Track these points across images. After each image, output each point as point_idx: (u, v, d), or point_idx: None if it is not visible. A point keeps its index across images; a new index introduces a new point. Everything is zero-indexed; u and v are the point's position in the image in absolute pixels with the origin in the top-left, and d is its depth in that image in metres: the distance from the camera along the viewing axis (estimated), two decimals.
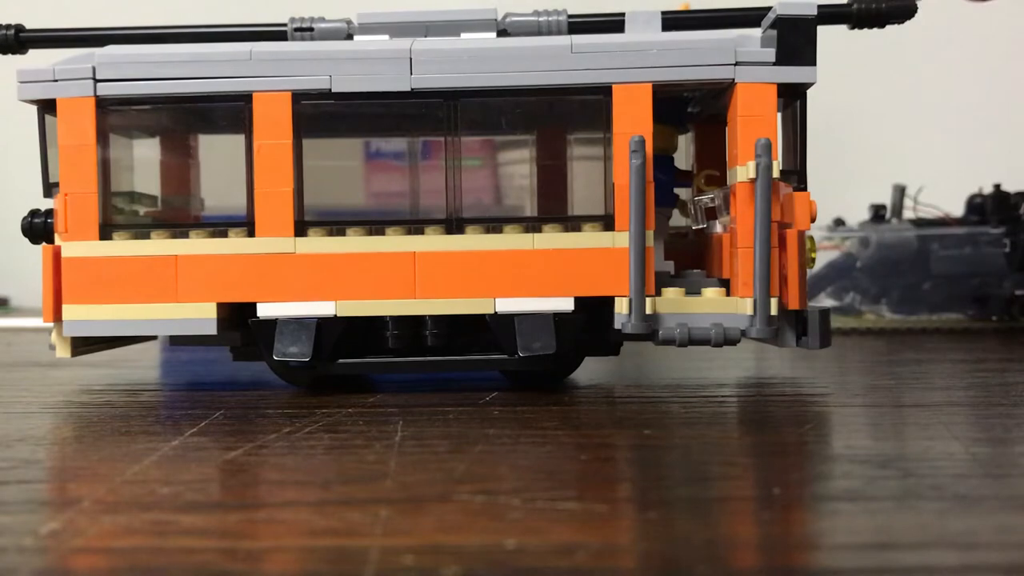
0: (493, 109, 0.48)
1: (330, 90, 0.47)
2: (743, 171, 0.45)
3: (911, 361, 0.61)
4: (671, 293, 0.46)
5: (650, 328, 0.45)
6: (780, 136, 0.49)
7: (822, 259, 0.95)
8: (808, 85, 0.46)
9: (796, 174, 0.48)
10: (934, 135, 1.24)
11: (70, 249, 0.48)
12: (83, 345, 0.50)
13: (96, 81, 0.49)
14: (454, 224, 0.47)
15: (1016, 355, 0.64)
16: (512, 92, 0.47)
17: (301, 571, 0.22)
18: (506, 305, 0.46)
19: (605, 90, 0.46)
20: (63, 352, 0.48)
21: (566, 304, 0.46)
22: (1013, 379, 0.51)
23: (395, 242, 0.47)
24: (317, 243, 0.48)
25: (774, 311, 0.44)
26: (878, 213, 0.97)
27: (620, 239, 0.46)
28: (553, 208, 0.53)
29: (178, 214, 0.57)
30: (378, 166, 0.53)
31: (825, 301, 0.98)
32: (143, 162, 0.55)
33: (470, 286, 0.47)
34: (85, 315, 0.48)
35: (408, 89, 0.47)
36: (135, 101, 0.49)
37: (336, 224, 0.49)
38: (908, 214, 0.96)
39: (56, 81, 0.50)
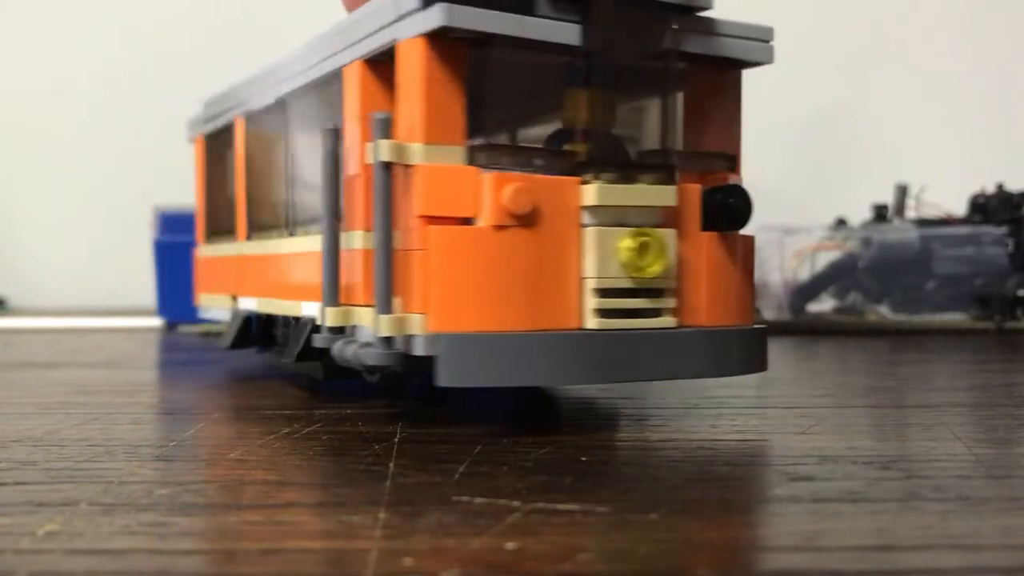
0: (298, 113, 0.47)
1: (251, 110, 0.51)
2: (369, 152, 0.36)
3: (913, 361, 0.61)
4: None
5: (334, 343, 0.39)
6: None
7: (825, 259, 0.95)
8: (454, 31, 0.35)
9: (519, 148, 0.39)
10: (936, 134, 1.24)
11: (198, 251, 0.64)
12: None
13: (204, 121, 0.60)
14: (288, 228, 0.47)
15: (1019, 355, 0.64)
16: (304, 92, 0.45)
17: (300, 574, 0.21)
18: (306, 309, 0.44)
19: (339, 76, 0.41)
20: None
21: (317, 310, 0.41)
22: (1016, 379, 0.51)
23: (254, 246, 0.51)
24: (246, 246, 0.53)
25: (387, 330, 0.35)
26: (880, 213, 0.97)
27: (350, 239, 0.39)
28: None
29: (229, 221, 0.60)
30: (271, 173, 0.54)
31: (828, 301, 0.98)
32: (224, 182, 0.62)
33: (290, 289, 0.46)
34: (203, 302, 0.63)
35: (272, 101, 0.48)
36: (208, 136, 0.60)
37: (257, 230, 0.52)
38: (910, 214, 0.96)
39: (195, 125, 0.63)
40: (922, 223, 0.92)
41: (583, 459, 0.32)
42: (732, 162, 0.41)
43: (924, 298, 0.91)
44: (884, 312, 0.93)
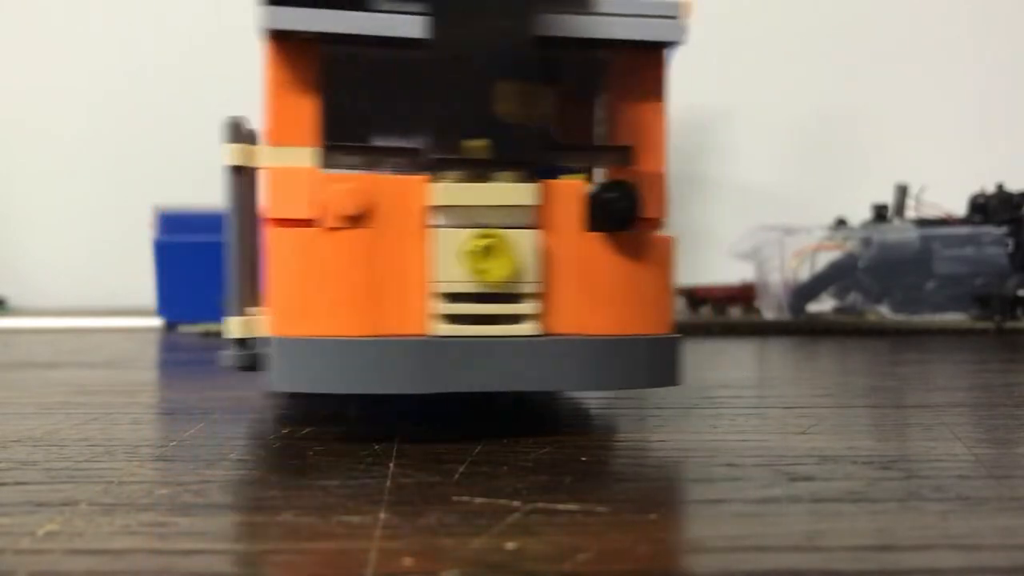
0: None
1: None
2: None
3: (913, 361, 0.61)
4: None
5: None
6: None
7: (825, 259, 0.95)
8: (295, 33, 0.34)
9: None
10: (936, 134, 1.24)
11: None
12: None
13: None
14: None
15: (1019, 355, 0.64)
16: None
17: (300, 574, 0.21)
18: None
19: None
20: None
21: None
22: (1016, 379, 0.51)
23: None
24: None
25: (234, 332, 0.37)
26: (880, 213, 0.97)
27: None
28: None
29: None
30: None
31: (828, 301, 0.98)
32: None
33: None
34: None
35: None
36: None
37: None
38: (910, 214, 0.96)
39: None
40: (922, 223, 0.92)
41: (583, 459, 0.32)
42: (625, 155, 0.36)
43: (924, 298, 0.91)
44: (884, 312, 0.93)
